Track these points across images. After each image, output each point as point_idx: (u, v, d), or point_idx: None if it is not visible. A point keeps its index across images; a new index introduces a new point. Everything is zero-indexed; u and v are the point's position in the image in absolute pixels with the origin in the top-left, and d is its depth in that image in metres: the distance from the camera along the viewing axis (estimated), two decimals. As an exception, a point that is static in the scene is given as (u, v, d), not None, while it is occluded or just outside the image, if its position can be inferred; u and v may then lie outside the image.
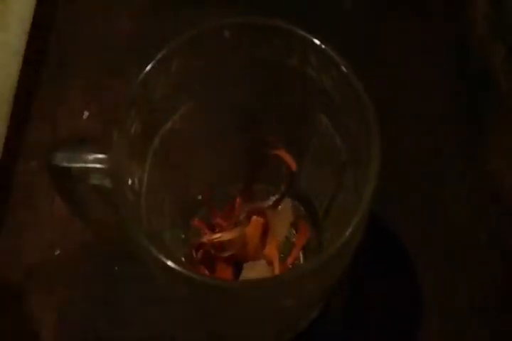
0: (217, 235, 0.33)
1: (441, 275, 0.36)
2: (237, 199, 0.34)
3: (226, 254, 0.33)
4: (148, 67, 0.27)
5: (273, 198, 0.35)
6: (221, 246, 0.33)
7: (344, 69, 0.27)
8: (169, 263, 0.24)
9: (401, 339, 0.36)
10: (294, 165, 0.32)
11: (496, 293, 0.36)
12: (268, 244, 0.33)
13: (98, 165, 0.27)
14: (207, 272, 0.33)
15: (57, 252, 0.37)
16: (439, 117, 0.40)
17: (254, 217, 0.33)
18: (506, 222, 0.38)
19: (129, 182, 0.27)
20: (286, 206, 0.34)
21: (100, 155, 0.27)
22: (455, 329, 0.35)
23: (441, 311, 0.36)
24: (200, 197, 0.35)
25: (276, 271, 0.32)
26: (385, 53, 0.42)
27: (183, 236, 0.34)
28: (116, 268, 0.36)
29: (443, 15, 0.43)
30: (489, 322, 0.36)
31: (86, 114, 0.40)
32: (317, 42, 0.27)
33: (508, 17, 0.43)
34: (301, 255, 0.34)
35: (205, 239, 0.33)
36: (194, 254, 0.34)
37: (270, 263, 0.33)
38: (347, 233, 0.25)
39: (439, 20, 0.43)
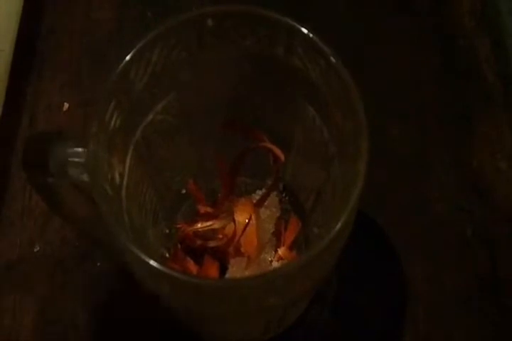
0: (209, 223, 0.32)
1: (428, 269, 0.36)
2: (222, 194, 0.34)
3: (213, 244, 0.32)
4: (128, 57, 0.26)
5: (260, 192, 0.34)
6: (209, 235, 0.32)
7: (332, 59, 0.26)
8: (151, 262, 0.23)
9: (387, 333, 0.36)
10: (282, 158, 0.32)
11: (481, 287, 0.36)
12: (254, 239, 0.32)
13: (76, 159, 0.26)
14: (193, 265, 0.33)
15: (37, 249, 0.36)
16: (427, 110, 0.40)
17: (240, 208, 0.32)
18: (491, 215, 0.37)
19: (109, 176, 0.26)
20: (273, 200, 0.34)
21: (79, 149, 0.26)
22: (442, 324, 0.36)
23: (428, 305, 0.36)
24: (183, 192, 0.34)
25: (262, 267, 0.32)
26: (373, 47, 0.41)
27: (167, 231, 0.33)
28: (98, 264, 0.36)
29: (429, 9, 0.43)
30: (475, 316, 0.36)
31: (66, 105, 0.39)
32: (305, 31, 0.26)
33: (493, 10, 0.43)
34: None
35: (195, 227, 0.32)
36: (180, 247, 0.33)
37: (256, 258, 0.32)
38: (337, 228, 0.24)
39: (426, 14, 0.43)
